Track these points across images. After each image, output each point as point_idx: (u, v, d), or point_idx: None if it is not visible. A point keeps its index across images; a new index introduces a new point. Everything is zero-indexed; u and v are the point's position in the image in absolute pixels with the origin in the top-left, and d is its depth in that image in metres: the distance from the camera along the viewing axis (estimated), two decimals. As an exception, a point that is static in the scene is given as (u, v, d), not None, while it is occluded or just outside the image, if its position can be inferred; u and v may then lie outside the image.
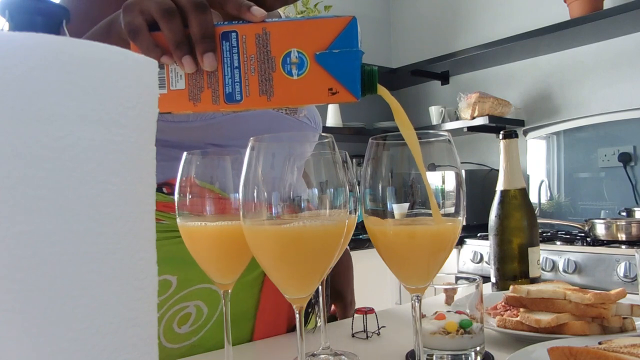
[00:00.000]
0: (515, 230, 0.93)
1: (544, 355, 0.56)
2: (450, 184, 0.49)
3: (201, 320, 0.75)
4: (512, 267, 0.92)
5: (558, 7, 2.47)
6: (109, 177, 0.29)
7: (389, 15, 3.44)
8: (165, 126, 0.74)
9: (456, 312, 0.64)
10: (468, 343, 0.62)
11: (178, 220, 0.59)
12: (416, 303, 0.51)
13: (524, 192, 0.96)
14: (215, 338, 0.77)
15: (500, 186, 0.96)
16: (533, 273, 0.92)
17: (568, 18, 2.35)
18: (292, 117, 0.86)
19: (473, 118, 2.61)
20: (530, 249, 0.92)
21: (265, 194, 0.46)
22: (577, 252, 1.90)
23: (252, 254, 0.50)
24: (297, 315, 0.49)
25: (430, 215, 0.49)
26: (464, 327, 0.62)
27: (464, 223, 0.51)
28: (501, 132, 0.97)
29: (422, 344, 0.51)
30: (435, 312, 0.64)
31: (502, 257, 0.93)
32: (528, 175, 2.65)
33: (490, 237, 0.95)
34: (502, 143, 0.96)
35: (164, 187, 0.76)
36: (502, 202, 0.95)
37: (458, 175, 0.50)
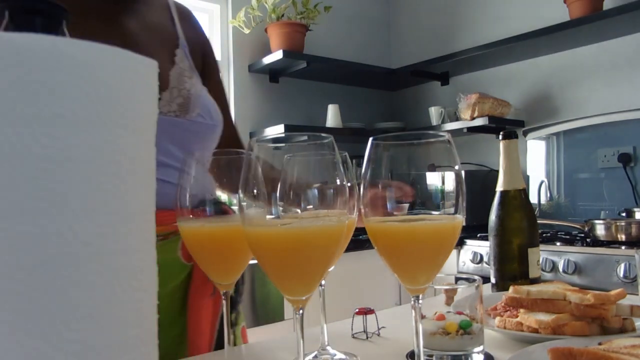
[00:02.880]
0: (515, 230, 0.93)
1: (544, 356, 0.56)
2: (450, 185, 0.49)
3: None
4: (511, 268, 0.92)
5: (558, 7, 2.47)
6: (109, 177, 0.29)
7: (389, 15, 3.44)
8: None
9: (456, 313, 0.64)
10: (468, 343, 0.62)
11: (178, 221, 0.59)
12: (416, 303, 0.51)
13: (524, 193, 0.96)
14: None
15: (500, 187, 0.96)
16: (533, 274, 0.91)
17: (568, 19, 2.35)
18: (183, 119, 0.82)
19: (473, 119, 2.61)
20: (530, 250, 0.92)
21: (265, 194, 0.46)
22: (577, 253, 1.90)
23: (252, 255, 0.50)
24: (297, 316, 0.49)
25: (430, 215, 0.49)
26: (463, 328, 0.62)
27: (464, 224, 0.51)
28: (501, 133, 0.97)
29: (422, 345, 0.51)
30: (435, 313, 0.64)
31: (501, 257, 0.93)
32: (528, 175, 2.65)
33: (490, 237, 0.95)
34: (501, 144, 0.96)
35: None
36: (501, 203, 0.95)
37: (458, 176, 0.50)
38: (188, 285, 0.82)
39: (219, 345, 0.82)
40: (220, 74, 1.03)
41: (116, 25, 0.83)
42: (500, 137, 0.96)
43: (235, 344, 0.84)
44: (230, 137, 0.98)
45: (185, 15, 0.97)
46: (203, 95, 0.87)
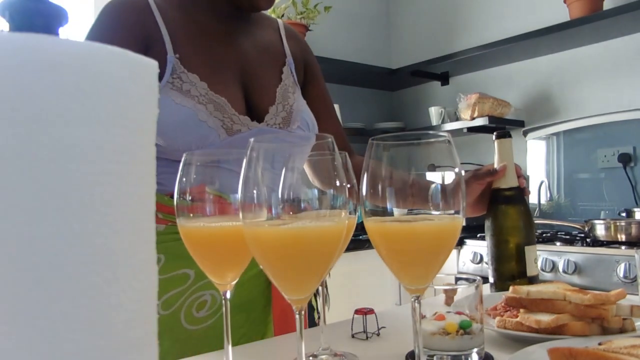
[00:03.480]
0: (511, 229, 0.93)
1: (544, 356, 0.56)
2: (450, 185, 0.49)
3: (215, 306, 0.85)
4: (509, 267, 0.92)
5: (558, 7, 2.47)
6: (109, 177, 0.29)
7: (389, 15, 3.44)
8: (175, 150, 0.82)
9: (456, 313, 0.64)
10: (468, 344, 0.62)
11: (178, 221, 0.59)
12: (416, 304, 0.51)
13: (519, 191, 0.95)
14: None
15: (494, 185, 0.95)
16: (530, 272, 0.91)
17: (568, 19, 2.35)
18: (285, 130, 0.91)
19: (473, 119, 2.61)
20: (526, 248, 0.91)
21: (265, 194, 0.46)
22: (577, 253, 1.90)
23: (252, 255, 0.50)
24: (297, 316, 0.49)
25: (430, 215, 0.49)
26: (463, 328, 0.62)
27: (464, 224, 0.51)
28: (495, 132, 0.97)
29: (422, 345, 0.51)
30: (435, 313, 0.64)
31: (499, 256, 0.93)
32: (528, 176, 2.65)
33: (487, 237, 0.95)
34: (495, 143, 0.96)
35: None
36: (496, 201, 0.94)
37: (458, 176, 0.50)
38: None
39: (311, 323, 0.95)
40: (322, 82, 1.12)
41: (232, 44, 0.93)
42: (494, 136, 0.96)
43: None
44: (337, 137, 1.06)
45: (291, 34, 1.07)
46: (303, 109, 0.97)
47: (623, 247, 1.85)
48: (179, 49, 0.87)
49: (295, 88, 0.99)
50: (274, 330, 0.89)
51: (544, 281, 0.84)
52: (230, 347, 0.60)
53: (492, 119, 2.58)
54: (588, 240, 1.98)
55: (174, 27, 0.88)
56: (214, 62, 0.89)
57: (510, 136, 0.96)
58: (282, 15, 2.60)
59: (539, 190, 2.61)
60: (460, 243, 2.26)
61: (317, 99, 1.06)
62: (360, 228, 0.57)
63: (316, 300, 1.00)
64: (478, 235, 2.24)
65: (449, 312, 0.64)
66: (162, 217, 0.83)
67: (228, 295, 0.61)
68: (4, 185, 0.25)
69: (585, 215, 2.32)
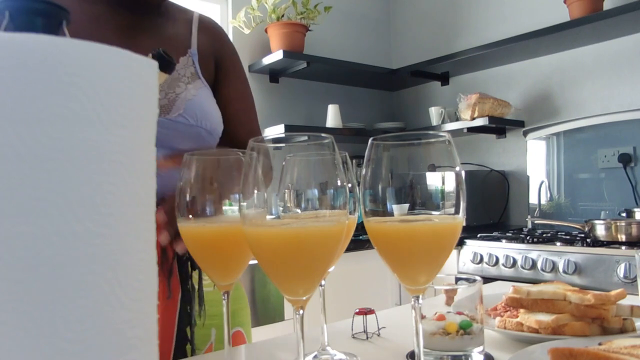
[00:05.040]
0: None
1: (544, 356, 0.56)
2: (450, 185, 0.49)
3: None
4: None
5: (558, 8, 2.47)
6: (109, 177, 0.29)
7: (389, 15, 3.44)
8: None
9: (456, 313, 0.64)
10: (468, 344, 0.62)
11: (178, 221, 0.59)
12: (416, 304, 0.51)
13: None
14: None
15: None
16: None
17: (568, 19, 2.35)
18: (162, 117, 0.86)
19: (473, 119, 2.60)
20: None
21: (266, 194, 0.46)
22: (577, 253, 1.90)
23: (252, 255, 0.50)
24: (297, 316, 0.49)
25: (430, 215, 0.49)
26: (464, 328, 0.62)
27: (464, 224, 0.51)
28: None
29: (422, 345, 0.51)
30: (436, 313, 0.64)
31: None
32: (528, 176, 2.65)
33: None
34: None
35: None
36: None
37: (458, 176, 0.50)
38: None
39: (179, 349, 0.82)
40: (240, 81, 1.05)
41: (123, 34, 0.88)
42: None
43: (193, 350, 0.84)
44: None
45: (205, 26, 1.01)
46: (195, 100, 0.91)
47: (623, 247, 1.85)
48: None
49: (195, 80, 0.93)
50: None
51: (544, 281, 0.84)
52: (230, 347, 0.60)
53: (492, 119, 2.57)
54: (588, 240, 1.98)
55: None
56: None
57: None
58: (282, 16, 2.60)
59: (539, 191, 2.61)
60: (460, 243, 2.26)
61: (233, 101, 1.01)
62: (360, 228, 0.57)
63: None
64: (478, 235, 2.24)
65: (449, 312, 0.64)
66: None
67: (228, 296, 0.61)
68: (4, 185, 0.25)
69: (586, 215, 2.32)
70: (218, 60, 1.01)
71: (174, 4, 0.99)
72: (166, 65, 0.72)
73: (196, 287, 0.86)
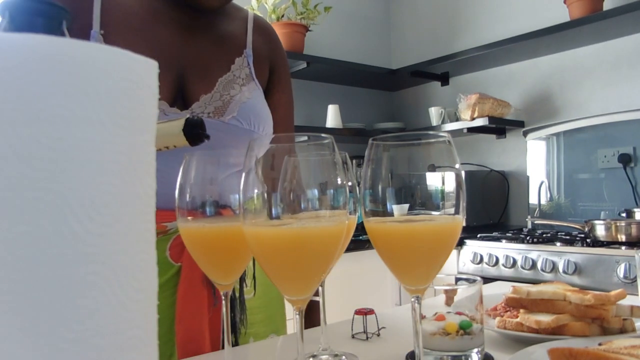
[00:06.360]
0: None
1: (544, 356, 0.56)
2: (450, 185, 0.49)
3: None
4: None
5: (558, 8, 2.47)
6: (109, 178, 0.29)
7: (389, 16, 3.44)
8: None
9: (456, 313, 0.64)
10: (468, 344, 0.62)
11: (178, 221, 0.59)
12: (416, 304, 0.51)
13: None
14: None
15: None
16: None
17: (568, 19, 2.35)
18: (216, 119, 0.86)
19: (473, 119, 2.61)
20: None
21: (265, 195, 0.46)
22: (577, 253, 1.90)
23: (252, 255, 0.50)
24: (296, 316, 0.49)
25: (430, 215, 0.49)
26: (463, 328, 0.62)
27: (464, 224, 0.51)
28: None
29: (422, 345, 0.51)
30: (435, 313, 0.64)
31: None
32: (528, 176, 2.65)
33: None
34: None
35: None
36: None
37: (458, 176, 0.50)
38: (176, 283, 0.82)
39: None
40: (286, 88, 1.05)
41: (177, 30, 0.88)
42: None
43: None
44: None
45: (260, 27, 1.00)
46: (249, 103, 0.90)
47: (623, 248, 1.85)
48: (108, 26, 0.81)
49: (248, 81, 0.93)
50: (177, 352, 0.79)
51: (544, 281, 0.84)
52: (230, 347, 0.60)
53: (492, 119, 2.58)
54: (588, 240, 1.98)
55: (112, 3, 0.83)
56: (145, 45, 0.84)
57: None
58: (282, 16, 2.60)
59: (539, 191, 2.61)
60: (460, 243, 2.26)
61: (281, 107, 1.01)
62: (360, 228, 0.57)
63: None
64: (478, 235, 2.24)
65: (449, 312, 0.64)
66: None
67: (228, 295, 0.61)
68: (4, 185, 0.25)
69: (585, 215, 2.32)
70: (272, 64, 1.00)
71: (232, 3, 0.97)
72: (196, 137, 0.62)
73: (237, 294, 0.86)
